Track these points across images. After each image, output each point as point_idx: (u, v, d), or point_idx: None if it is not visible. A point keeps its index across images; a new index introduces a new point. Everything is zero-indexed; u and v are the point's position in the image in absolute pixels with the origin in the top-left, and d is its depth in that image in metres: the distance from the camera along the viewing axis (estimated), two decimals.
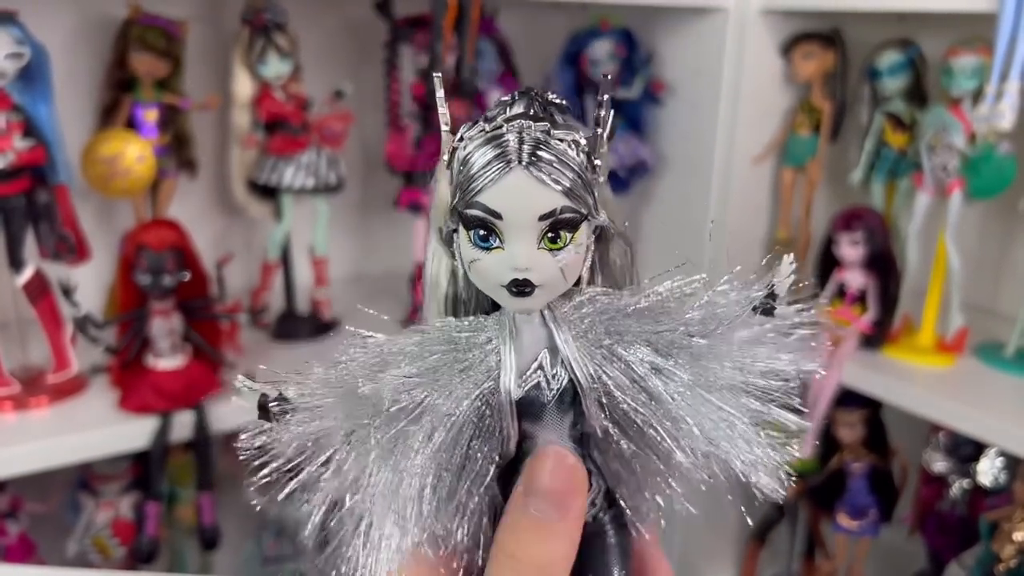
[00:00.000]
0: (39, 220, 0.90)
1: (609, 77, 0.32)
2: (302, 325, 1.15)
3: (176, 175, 1.10)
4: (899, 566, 1.31)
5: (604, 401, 0.33)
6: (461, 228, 0.32)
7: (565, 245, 0.31)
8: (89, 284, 1.08)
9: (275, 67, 1.05)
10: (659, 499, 0.37)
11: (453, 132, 0.32)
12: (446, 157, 0.32)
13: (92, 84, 1.08)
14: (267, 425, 0.34)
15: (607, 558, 0.36)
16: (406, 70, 1.16)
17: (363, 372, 0.34)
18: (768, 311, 0.34)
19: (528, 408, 0.33)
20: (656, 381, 0.33)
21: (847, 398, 1.14)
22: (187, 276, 0.92)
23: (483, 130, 0.31)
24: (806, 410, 0.36)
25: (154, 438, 0.89)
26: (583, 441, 0.35)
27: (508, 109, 0.32)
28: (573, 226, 0.31)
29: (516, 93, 0.32)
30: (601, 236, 0.34)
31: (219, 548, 1.01)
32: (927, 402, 1.00)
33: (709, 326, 0.34)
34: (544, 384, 0.33)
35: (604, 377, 0.33)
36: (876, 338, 1.10)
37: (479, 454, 0.33)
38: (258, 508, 0.34)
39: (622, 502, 0.36)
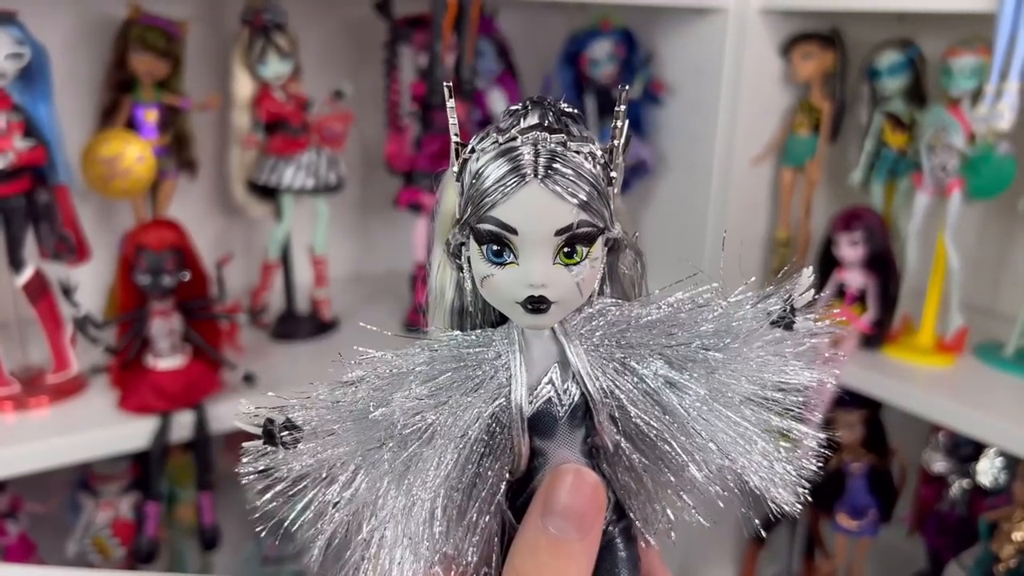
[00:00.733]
0: (39, 220, 0.90)
1: (627, 88, 0.31)
2: (302, 325, 1.15)
3: (176, 175, 1.10)
4: (899, 566, 1.31)
5: (616, 415, 0.33)
6: (472, 242, 0.31)
7: (581, 260, 0.30)
8: (89, 284, 1.08)
9: (275, 67, 1.05)
10: (669, 511, 0.36)
11: (463, 142, 0.31)
12: (455, 169, 0.31)
13: (92, 84, 1.08)
14: (271, 450, 0.33)
15: (618, 570, 0.35)
16: (406, 70, 1.16)
17: (372, 394, 0.33)
18: (788, 325, 0.33)
19: (539, 424, 0.33)
20: (670, 395, 0.32)
21: (847, 398, 1.14)
22: (187, 276, 0.92)
23: (496, 142, 0.30)
24: (817, 420, 0.35)
25: (154, 438, 0.89)
26: (593, 453, 0.34)
27: (521, 120, 0.31)
28: (590, 240, 0.30)
29: (528, 102, 0.31)
30: (613, 247, 0.33)
31: (219, 548, 1.01)
32: (927, 402, 1.00)
33: (724, 339, 0.33)
34: (555, 399, 0.32)
35: (617, 391, 0.32)
36: (876, 338, 1.10)
37: (490, 472, 0.33)
38: (258, 511, 0.34)
39: (631, 514, 0.36)
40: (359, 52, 1.29)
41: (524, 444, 0.32)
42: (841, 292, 1.11)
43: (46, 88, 0.87)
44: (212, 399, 0.93)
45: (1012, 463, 1.07)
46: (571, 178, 0.29)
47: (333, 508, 0.33)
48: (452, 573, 0.33)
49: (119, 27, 1.02)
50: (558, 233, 0.30)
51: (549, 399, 0.33)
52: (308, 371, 1.03)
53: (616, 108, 0.31)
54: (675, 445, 0.33)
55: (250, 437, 0.34)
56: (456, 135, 0.31)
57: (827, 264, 1.13)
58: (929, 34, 1.16)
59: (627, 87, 0.32)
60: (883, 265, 1.08)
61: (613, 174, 0.31)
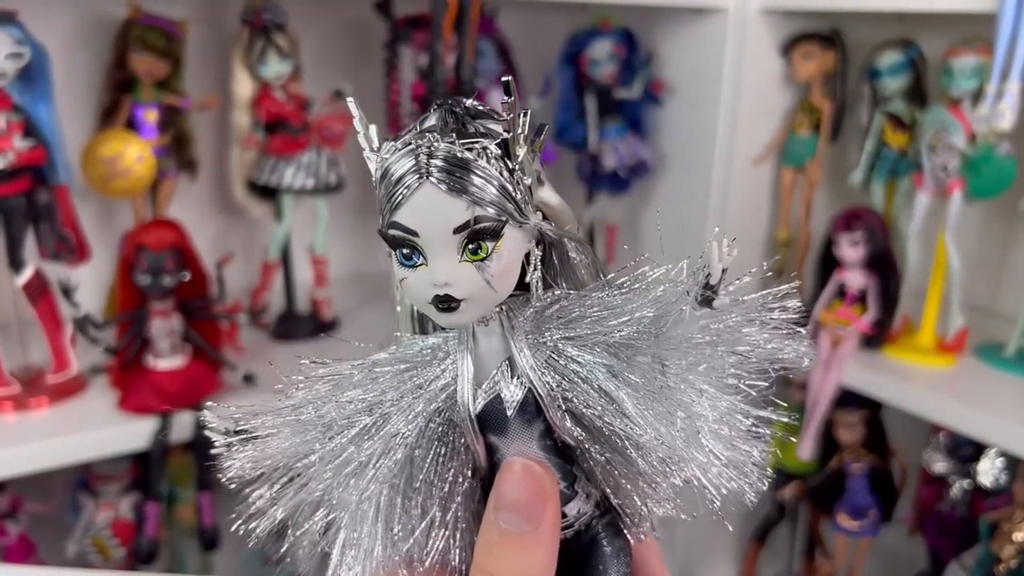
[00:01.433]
0: (39, 220, 0.90)
1: (510, 79, 0.31)
2: (302, 325, 1.15)
3: (176, 175, 1.10)
4: (899, 566, 1.31)
5: (569, 408, 0.33)
6: (389, 248, 0.32)
7: (488, 255, 0.30)
8: (89, 284, 1.08)
9: (275, 67, 1.05)
10: (651, 504, 0.36)
11: (377, 149, 0.32)
12: (374, 176, 0.32)
13: (92, 84, 1.08)
14: (224, 454, 0.35)
15: (603, 566, 0.35)
16: (406, 70, 1.16)
17: (312, 399, 0.34)
18: (707, 302, 0.32)
19: (490, 421, 0.33)
20: (611, 384, 0.32)
21: (847, 398, 1.14)
22: (187, 276, 0.92)
23: (395, 148, 0.31)
24: (780, 402, 0.35)
25: (154, 438, 0.89)
26: (561, 450, 0.34)
27: (421, 124, 0.31)
28: (493, 234, 0.30)
29: (433, 106, 0.32)
30: (553, 242, 0.34)
31: (219, 548, 1.01)
32: (927, 402, 1.00)
33: (659, 324, 0.33)
34: (505, 395, 0.33)
35: (564, 384, 0.33)
36: (876, 338, 1.10)
37: (448, 472, 0.33)
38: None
39: (617, 508, 0.36)
40: (359, 52, 1.29)
41: (477, 441, 0.33)
42: (842, 292, 1.11)
43: (46, 88, 0.87)
44: (212, 399, 0.93)
45: (1013, 463, 1.07)
46: (463, 176, 0.30)
47: (275, 508, 0.35)
48: (424, 569, 0.34)
49: (119, 27, 1.03)
50: (457, 231, 0.30)
51: (497, 396, 0.33)
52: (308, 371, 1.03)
53: (504, 100, 0.30)
54: (620, 434, 0.33)
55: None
56: (366, 147, 0.32)
57: (828, 264, 1.12)
58: (929, 34, 1.16)
59: (510, 79, 0.31)
60: (884, 265, 1.08)
61: (514, 166, 0.31)
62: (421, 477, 0.33)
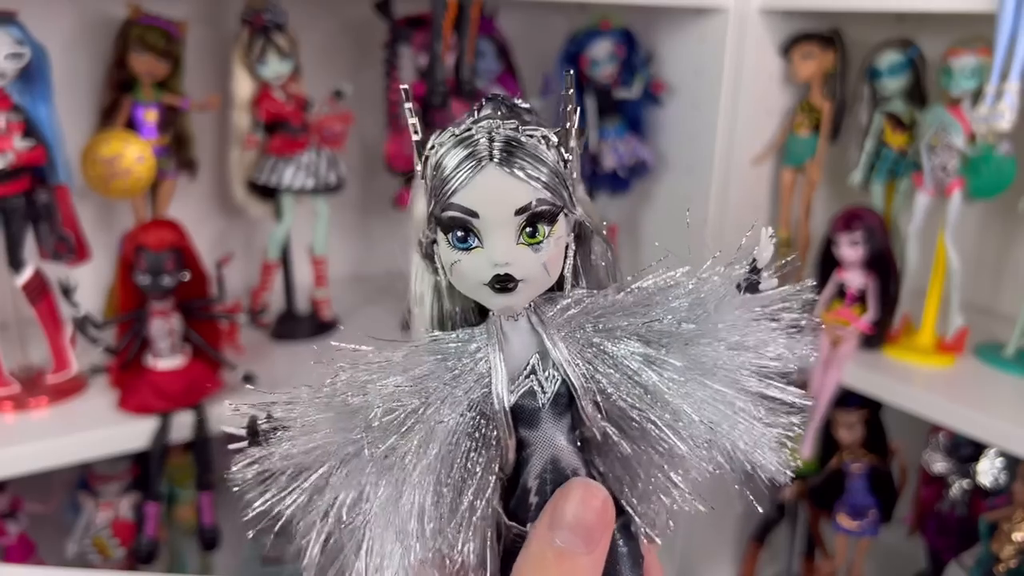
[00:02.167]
0: (39, 220, 0.90)
1: (571, 72, 0.32)
2: (302, 325, 1.16)
3: (176, 175, 1.10)
4: (899, 566, 1.31)
5: (600, 401, 0.33)
6: (439, 233, 0.32)
7: (544, 239, 0.31)
8: (89, 284, 1.08)
9: (275, 67, 1.05)
10: (667, 502, 0.36)
11: (423, 142, 0.32)
12: (419, 167, 0.32)
13: (92, 84, 1.08)
14: (255, 451, 0.34)
15: (619, 568, 0.35)
16: (406, 70, 1.16)
17: (351, 387, 0.34)
18: (752, 286, 0.33)
19: (523, 415, 0.33)
20: (650, 373, 0.33)
21: (847, 398, 1.14)
22: (187, 276, 0.92)
23: (453, 134, 0.31)
24: (805, 392, 0.35)
25: (154, 438, 0.89)
26: (583, 447, 0.34)
27: (476, 114, 0.32)
28: (550, 219, 0.31)
29: (483, 100, 0.33)
30: (581, 236, 0.34)
31: (219, 548, 1.01)
32: (927, 402, 1.00)
33: (696, 312, 0.33)
34: (537, 389, 0.33)
35: (598, 375, 0.33)
36: (876, 338, 1.10)
37: (478, 466, 0.33)
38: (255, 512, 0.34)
39: (630, 510, 0.36)
40: (359, 52, 1.29)
41: (509, 435, 0.33)
42: (841, 292, 1.11)
43: (46, 88, 0.87)
44: (212, 399, 0.93)
45: (1012, 463, 1.07)
46: (526, 159, 0.30)
47: (318, 502, 0.34)
48: (446, 570, 0.33)
49: (119, 27, 1.02)
50: (518, 212, 0.31)
51: (531, 389, 0.33)
52: (308, 371, 1.03)
53: (564, 92, 0.32)
54: (660, 423, 0.33)
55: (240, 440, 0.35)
56: (416, 134, 0.32)
57: (827, 264, 1.12)
58: (929, 34, 1.16)
59: (571, 71, 0.33)
60: (883, 265, 1.08)
61: (568, 157, 0.32)
62: (453, 472, 0.33)
